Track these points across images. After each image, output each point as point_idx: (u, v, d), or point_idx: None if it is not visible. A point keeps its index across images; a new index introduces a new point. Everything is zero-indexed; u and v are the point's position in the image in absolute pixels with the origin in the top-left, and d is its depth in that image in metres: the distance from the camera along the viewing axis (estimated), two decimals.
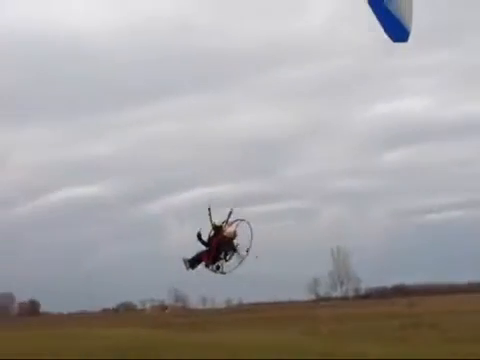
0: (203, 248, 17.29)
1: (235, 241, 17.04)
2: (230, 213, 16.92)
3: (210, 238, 17.03)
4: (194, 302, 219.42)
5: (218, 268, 17.05)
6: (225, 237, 16.76)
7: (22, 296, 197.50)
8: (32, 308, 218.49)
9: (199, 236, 17.16)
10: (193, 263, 17.23)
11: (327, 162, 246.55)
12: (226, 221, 17.11)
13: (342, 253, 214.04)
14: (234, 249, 16.93)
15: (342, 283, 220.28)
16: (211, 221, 16.87)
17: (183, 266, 17.38)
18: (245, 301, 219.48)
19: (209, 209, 16.65)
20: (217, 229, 17.00)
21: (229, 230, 16.87)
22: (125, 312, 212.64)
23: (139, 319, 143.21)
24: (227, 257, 17.00)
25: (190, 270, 17.34)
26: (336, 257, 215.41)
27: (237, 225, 16.98)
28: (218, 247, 16.74)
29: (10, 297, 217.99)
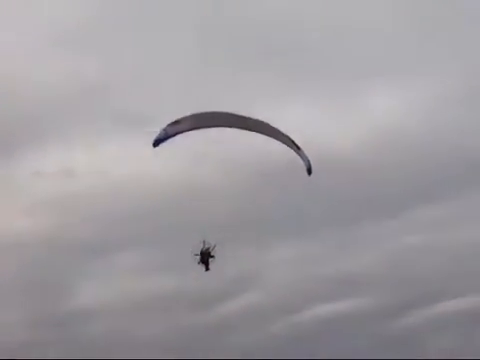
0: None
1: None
2: (214, 245, 32.97)
3: (202, 253, 33.52)
4: None
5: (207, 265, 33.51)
6: (207, 253, 33.55)
7: None
8: None
9: (201, 251, 33.17)
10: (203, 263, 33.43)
11: None
12: (212, 246, 33.28)
13: None
14: (210, 257, 33.43)
15: None
16: (204, 246, 33.09)
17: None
18: None
19: (203, 241, 32.79)
20: (206, 249, 33.37)
21: (207, 251, 33.38)
22: None
23: None
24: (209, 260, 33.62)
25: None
26: None
27: (213, 248, 33.45)
28: (205, 257, 33.53)
29: None
